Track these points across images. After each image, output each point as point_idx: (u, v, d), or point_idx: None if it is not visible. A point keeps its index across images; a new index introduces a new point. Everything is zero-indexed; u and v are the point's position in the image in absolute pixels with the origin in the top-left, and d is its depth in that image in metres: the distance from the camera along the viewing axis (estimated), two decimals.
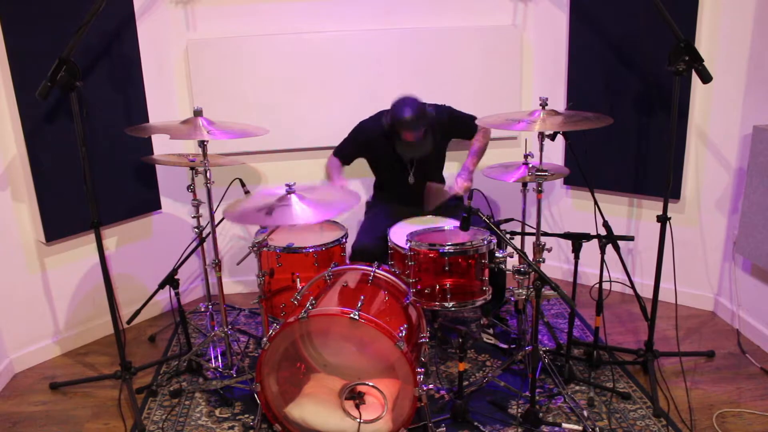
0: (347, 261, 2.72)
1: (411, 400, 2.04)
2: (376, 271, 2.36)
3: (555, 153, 3.38)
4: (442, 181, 3.05)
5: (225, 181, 2.85)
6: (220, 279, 2.58)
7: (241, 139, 3.04)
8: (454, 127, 2.97)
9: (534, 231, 2.44)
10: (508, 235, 2.20)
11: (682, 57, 2.23)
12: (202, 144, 2.39)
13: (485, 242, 2.25)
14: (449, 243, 2.24)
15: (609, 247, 2.45)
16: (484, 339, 2.83)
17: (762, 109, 2.71)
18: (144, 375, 2.71)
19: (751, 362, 2.66)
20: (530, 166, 2.59)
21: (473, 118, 2.91)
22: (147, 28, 3.07)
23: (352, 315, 1.97)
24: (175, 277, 2.73)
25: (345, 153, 3.02)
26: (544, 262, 2.47)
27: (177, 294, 2.75)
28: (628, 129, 3.12)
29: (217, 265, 2.55)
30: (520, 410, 2.29)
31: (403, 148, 2.81)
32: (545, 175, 2.28)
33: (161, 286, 2.76)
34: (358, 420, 2.08)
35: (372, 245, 2.69)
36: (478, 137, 2.98)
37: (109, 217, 3.01)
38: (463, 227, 2.24)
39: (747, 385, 2.48)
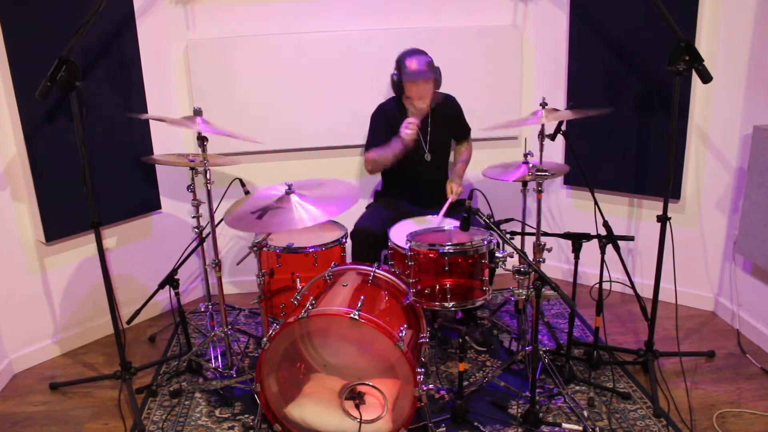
0: (347, 260, 2.72)
1: (411, 400, 2.04)
2: (376, 271, 2.36)
3: (555, 152, 3.37)
4: (449, 167, 3.13)
5: (225, 181, 2.85)
6: (220, 279, 2.58)
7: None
8: (457, 117, 3.08)
9: (534, 231, 2.44)
10: (508, 235, 2.20)
11: (682, 57, 2.23)
12: (202, 144, 2.39)
13: (485, 242, 2.25)
14: (449, 243, 2.24)
15: (609, 247, 2.44)
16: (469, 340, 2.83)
17: (762, 109, 2.71)
18: (144, 375, 2.70)
19: (751, 362, 2.66)
20: (530, 165, 2.59)
21: (469, 128, 3.14)
22: (147, 28, 3.07)
23: (352, 315, 1.97)
24: (175, 277, 2.73)
25: (375, 142, 2.94)
26: (544, 262, 2.47)
27: (177, 294, 2.75)
28: (628, 129, 3.12)
29: (217, 265, 2.55)
30: (520, 410, 2.29)
31: (411, 87, 2.83)
32: (545, 174, 2.28)
33: (161, 286, 2.76)
34: (358, 420, 2.08)
35: (371, 226, 2.71)
36: (468, 148, 3.19)
37: (109, 217, 3.01)
38: (463, 227, 2.24)
39: (747, 385, 2.48)
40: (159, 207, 3.29)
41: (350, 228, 2.77)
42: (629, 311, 3.19)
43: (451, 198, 2.80)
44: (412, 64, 2.79)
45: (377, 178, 3.25)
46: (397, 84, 2.86)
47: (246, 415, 2.38)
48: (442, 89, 2.95)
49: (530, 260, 2.20)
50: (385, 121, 2.95)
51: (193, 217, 2.79)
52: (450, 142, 3.11)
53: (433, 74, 2.81)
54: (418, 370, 2.01)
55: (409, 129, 2.71)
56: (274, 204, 2.21)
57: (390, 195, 3.07)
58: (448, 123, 3.01)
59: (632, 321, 3.09)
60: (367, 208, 3.11)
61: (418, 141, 2.93)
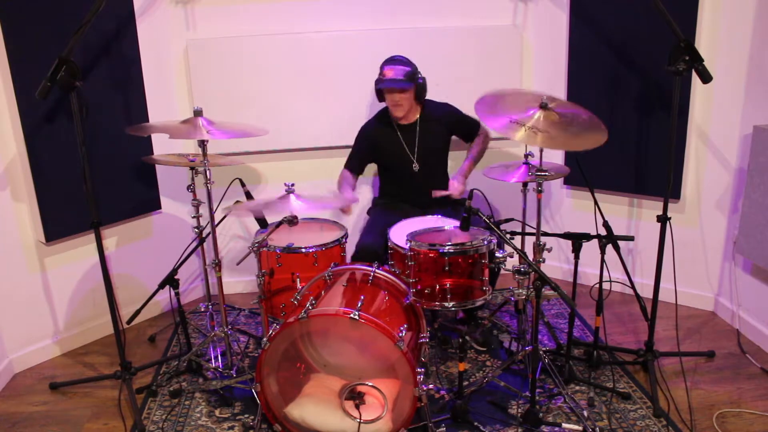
0: (347, 261, 2.72)
1: (411, 400, 2.04)
2: (376, 271, 2.36)
3: (555, 152, 3.37)
4: (446, 175, 3.05)
5: (225, 181, 2.85)
6: (220, 279, 2.58)
7: (241, 139, 3.04)
8: (453, 124, 3.00)
9: (534, 231, 2.44)
10: (508, 235, 2.20)
11: (682, 57, 2.23)
12: (202, 144, 2.39)
13: (485, 242, 2.25)
14: (449, 243, 2.24)
15: (609, 247, 2.44)
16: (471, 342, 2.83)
17: (762, 109, 2.71)
18: (144, 375, 2.70)
19: (751, 362, 2.66)
20: (530, 165, 2.59)
21: (477, 122, 2.99)
22: (147, 28, 3.07)
23: (352, 315, 1.97)
24: (175, 277, 2.73)
25: (354, 161, 3.01)
26: (544, 262, 2.46)
27: (177, 294, 2.75)
28: (628, 129, 3.12)
29: (217, 265, 2.55)
30: (520, 410, 2.29)
31: (387, 96, 2.83)
32: (545, 174, 2.28)
33: (161, 286, 2.76)
34: (358, 420, 2.08)
35: (374, 244, 2.69)
36: (478, 141, 3.03)
37: (109, 217, 3.01)
38: (463, 227, 2.24)
39: (747, 385, 2.48)
40: (159, 207, 3.29)
41: (350, 231, 2.77)
42: (629, 311, 3.19)
43: (448, 191, 2.78)
44: (389, 72, 2.77)
45: (374, 177, 3.24)
46: (378, 90, 2.86)
47: (246, 415, 2.38)
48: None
49: (530, 260, 2.20)
50: (365, 139, 2.99)
51: (193, 217, 2.79)
52: (443, 149, 3.05)
53: (409, 85, 2.76)
54: (418, 370, 2.01)
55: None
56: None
57: (386, 202, 3.06)
58: (439, 130, 2.96)
59: (632, 321, 3.09)
60: (368, 213, 3.12)
61: (404, 151, 2.93)
